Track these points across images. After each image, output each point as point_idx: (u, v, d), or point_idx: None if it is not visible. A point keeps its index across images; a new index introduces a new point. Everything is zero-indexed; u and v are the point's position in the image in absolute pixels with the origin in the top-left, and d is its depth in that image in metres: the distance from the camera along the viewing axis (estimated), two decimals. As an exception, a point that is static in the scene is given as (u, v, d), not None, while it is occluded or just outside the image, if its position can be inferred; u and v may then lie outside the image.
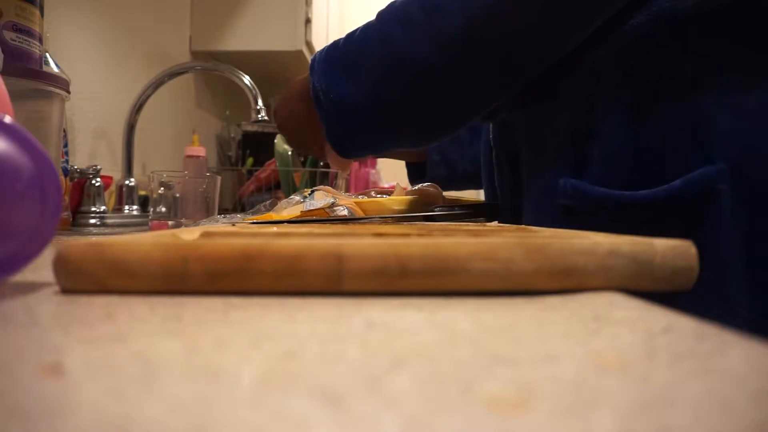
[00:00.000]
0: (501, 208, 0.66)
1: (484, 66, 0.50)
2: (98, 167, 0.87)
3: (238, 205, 1.45)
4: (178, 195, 0.70)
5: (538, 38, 0.49)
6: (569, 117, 0.53)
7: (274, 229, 0.39)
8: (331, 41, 0.59)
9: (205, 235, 0.30)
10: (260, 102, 0.98)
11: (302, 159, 1.36)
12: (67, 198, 0.81)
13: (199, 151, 1.26)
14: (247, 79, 0.98)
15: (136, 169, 1.05)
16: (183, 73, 1.09)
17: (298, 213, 0.59)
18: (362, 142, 0.58)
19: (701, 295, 0.29)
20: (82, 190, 0.84)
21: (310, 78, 0.57)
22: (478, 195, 2.58)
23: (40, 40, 0.52)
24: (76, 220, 0.83)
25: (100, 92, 1.11)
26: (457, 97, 0.53)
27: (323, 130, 0.57)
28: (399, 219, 0.62)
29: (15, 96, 0.32)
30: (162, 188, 0.70)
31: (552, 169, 0.54)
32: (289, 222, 0.55)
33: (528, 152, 0.59)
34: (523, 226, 0.46)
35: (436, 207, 0.64)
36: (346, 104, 0.54)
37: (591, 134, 0.51)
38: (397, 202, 0.67)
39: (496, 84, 0.52)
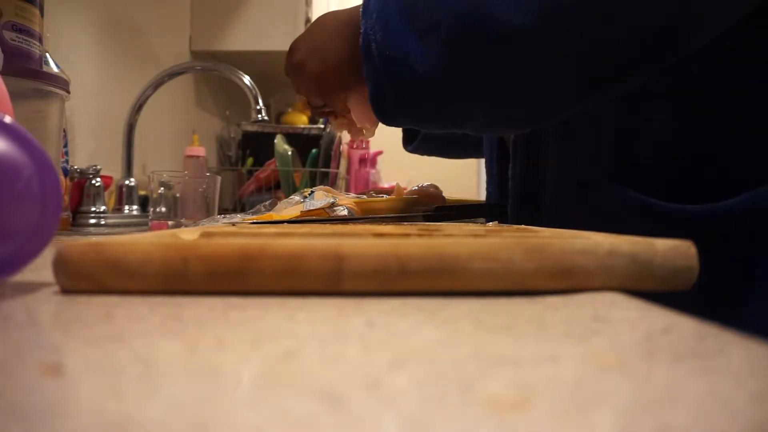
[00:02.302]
0: (511, 196, 0.59)
1: (605, 51, 0.40)
2: (98, 167, 0.87)
3: (238, 205, 1.45)
4: (178, 195, 0.70)
5: (686, 27, 0.39)
6: (615, 111, 0.47)
7: (274, 229, 0.39)
8: None
9: (205, 235, 0.30)
10: (260, 102, 0.98)
11: (302, 159, 1.36)
12: (67, 198, 0.81)
13: (199, 151, 1.26)
14: (247, 79, 0.98)
15: (136, 169, 1.05)
16: (183, 73, 1.09)
17: (298, 213, 0.59)
18: (415, 113, 0.49)
19: (753, 326, 0.26)
20: (82, 190, 0.84)
21: (361, 19, 0.46)
22: (478, 195, 2.59)
23: (40, 40, 0.52)
24: (76, 220, 0.83)
25: (100, 92, 1.11)
26: (555, 88, 0.43)
27: (368, 87, 0.47)
28: (399, 219, 0.62)
29: (15, 96, 0.32)
30: (162, 188, 0.70)
31: (589, 166, 0.49)
32: (289, 222, 0.55)
33: (558, 143, 0.52)
34: (523, 226, 0.46)
35: (436, 207, 0.64)
36: (408, 66, 0.44)
37: (639, 134, 0.45)
38: (397, 202, 0.67)
39: (607, 76, 0.42)
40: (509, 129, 0.53)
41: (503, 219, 0.63)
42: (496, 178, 0.68)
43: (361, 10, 0.47)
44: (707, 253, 0.25)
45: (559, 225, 0.42)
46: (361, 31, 0.46)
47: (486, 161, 0.72)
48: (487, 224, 0.56)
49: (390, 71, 0.45)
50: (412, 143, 0.83)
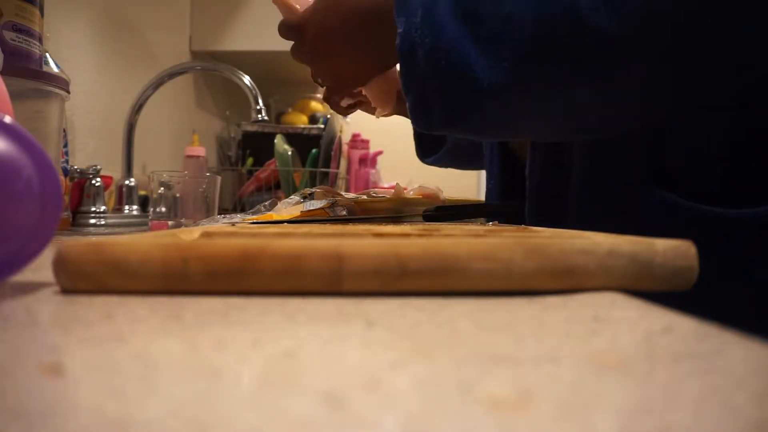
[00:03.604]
0: (528, 197, 0.55)
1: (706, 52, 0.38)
2: (98, 167, 0.87)
3: (238, 205, 1.45)
4: (178, 195, 0.70)
5: None
6: None
7: (274, 229, 0.39)
8: None
9: (205, 235, 0.30)
10: (260, 102, 0.98)
11: (302, 159, 1.36)
12: (67, 198, 0.81)
13: (199, 151, 1.26)
14: (247, 79, 0.98)
15: (136, 169, 1.05)
16: (183, 73, 1.09)
17: (298, 213, 0.59)
18: (471, 126, 0.44)
19: None
20: (82, 190, 0.84)
21: (397, 15, 0.42)
22: (478, 195, 2.59)
23: (40, 40, 0.52)
24: (76, 220, 0.83)
25: (100, 92, 1.11)
26: (654, 93, 0.40)
27: (407, 95, 0.43)
28: (399, 219, 0.62)
29: (15, 96, 0.32)
30: (162, 188, 0.70)
31: (625, 168, 0.46)
32: (289, 222, 0.55)
33: (584, 143, 0.50)
34: (523, 226, 0.45)
35: (436, 207, 0.64)
36: (470, 79, 0.39)
37: (678, 135, 0.43)
38: (396, 202, 0.67)
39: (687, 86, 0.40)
40: (592, 136, 0.48)
41: (504, 219, 0.63)
42: (496, 175, 0.66)
43: (395, 3, 0.42)
44: (751, 257, 0.25)
45: (586, 228, 0.40)
46: (400, 30, 0.41)
47: (486, 157, 0.70)
48: (488, 224, 0.56)
49: (445, 83, 0.41)
50: (433, 155, 0.79)
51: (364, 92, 0.63)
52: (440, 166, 0.84)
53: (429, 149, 0.80)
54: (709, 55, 0.38)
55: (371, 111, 0.68)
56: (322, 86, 0.60)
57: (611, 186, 0.47)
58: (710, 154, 0.43)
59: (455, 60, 0.39)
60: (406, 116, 0.75)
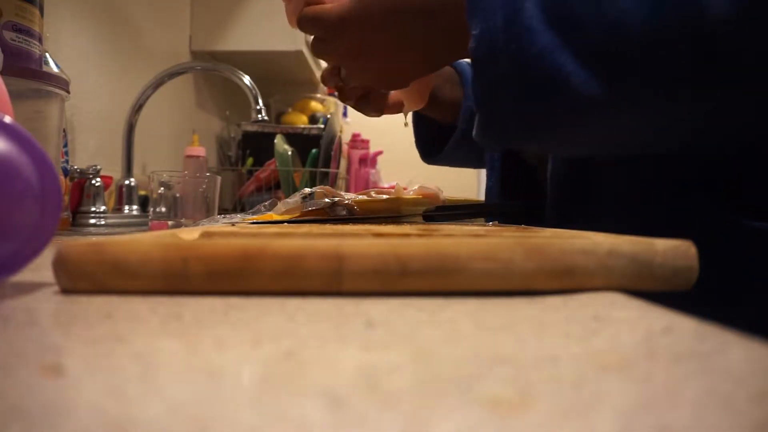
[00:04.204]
0: (550, 198, 0.52)
1: None
2: (98, 167, 0.87)
3: (238, 205, 1.45)
4: (178, 195, 0.70)
5: None
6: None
7: (274, 229, 0.39)
8: None
9: (205, 235, 0.30)
10: (260, 102, 0.98)
11: (302, 159, 1.36)
12: (67, 198, 0.81)
13: (199, 151, 1.26)
14: (247, 79, 0.98)
15: (136, 169, 1.05)
16: (183, 73, 1.09)
17: (298, 213, 0.59)
18: (547, 138, 0.42)
19: None
20: (82, 190, 0.84)
21: (469, 17, 0.38)
22: (478, 195, 2.58)
23: (40, 40, 0.52)
24: (76, 220, 0.83)
25: (100, 92, 1.11)
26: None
27: (478, 108, 0.40)
28: (399, 219, 0.62)
29: (15, 96, 0.32)
30: (162, 188, 0.70)
31: (670, 182, 0.42)
32: (289, 222, 0.55)
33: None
34: (523, 226, 0.45)
35: (436, 207, 0.64)
36: (563, 90, 0.36)
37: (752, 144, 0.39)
38: (396, 202, 0.67)
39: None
40: (674, 152, 0.43)
41: (504, 219, 0.62)
42: (498, 172, 0.64)
43: (467, 3, 0.39)
44: (752, 258, 0.24)
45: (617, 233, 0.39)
46: (475, 32, 0.38)
47: (486, 153, 0.67)
48: (488, 224, 0.56)
49: (533, 94, 0.37)
50: (437, 156, 0.76)
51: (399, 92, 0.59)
52: (443, 165, 0.82)
53: (433, 150, 0.77)
54: None
55: (379, 107, 0.62)
56: (345, 86, 0.55)
57: (651, 192, 0.44)
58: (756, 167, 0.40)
59: (549, 69, 0.36)
60: (434, 115, 0.72)
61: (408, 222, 0.60)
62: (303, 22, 0.48)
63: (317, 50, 0.49)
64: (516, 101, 0.38)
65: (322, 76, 0.59)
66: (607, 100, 0.36)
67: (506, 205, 0.64)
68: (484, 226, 0.49)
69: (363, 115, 0.69)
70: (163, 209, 0.70)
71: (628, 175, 0.46)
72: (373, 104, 0.61)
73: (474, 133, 0.42)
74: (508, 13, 0.37)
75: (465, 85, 0.71)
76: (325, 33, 0.47)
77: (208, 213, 0.71)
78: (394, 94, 0.63)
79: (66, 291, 0.22)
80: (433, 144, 0.77)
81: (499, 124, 0.40)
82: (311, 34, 0.49)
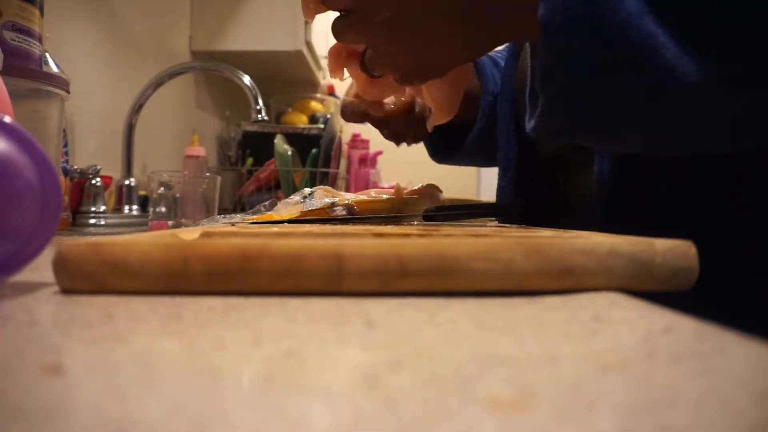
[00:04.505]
0: (598, 201, 0.46)
1: None
2: (98, 167, 0.87)
3: (238, 205, 1.45)
4: (178, 195, 0.70)
5: None
6: None
7: (274, 229, 0.39)
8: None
9: (205, 235, 0.30)
10: (260, 102, 0.98)
11: (302, 159, 1.36)
12: (67, 198, 0.81)
13: (199, 151, 1.26)
14: (247, 79, 0.98)
15: (136, 169, 1.05)
16: (183, 73, 1.09)
17: (298, 213, 0.59)
18: (624, 130, 0.36)
19: None
20: (82, 190, 0.84)
21: None
22: (478, 195, 2.58)
23: (40, 40, 0.52)
24: (76, 220, 0.83)
25: (100, 92, 1.11)
26: None
27: (542, 84, 0.34)
28: (399, 219, 0.62)
29: (15, 96, 0.32)
30: (162, 188, 0.70)
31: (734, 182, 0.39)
32: (289, 222, 0.55)
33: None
34: (524, 225, 0.45)
35: (436, 207, 0.64)
36: (659, 69, 0.31)
37: None
38: (397, 202, 0.67)
39: None
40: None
41: (507, 219, 0.61)
42: (513, 171, 0.60)
43: None
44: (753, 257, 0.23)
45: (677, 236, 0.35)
46: (542, 10, 0.32)
47: (501, 151, 0.62)
48: (488, 224, 0.56)
49: (620, 72, 0.32)
50: (448, 156, 0.71)
51: (424, 94, 0.51)
52: (453, 164, 0.77)
53: (443, 148, 0.71)
54: None
55: (402, 131, 0.56)
56: (374, 76, 0.46)
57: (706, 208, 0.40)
58: None
59: (639, 42, 0.30)
60: (464, 122, 0.64)
61: (408, 222, 0.60)
62: None
63: (345, 27, 0.41)
64: (592, 82, 0.33)
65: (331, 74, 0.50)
66: (714, 87, 0.31)
67: (509, 204, 0.63)
68: (485, 226, 0.48)
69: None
70: (163, 209, 0.70)
71: (691, 175, 0.41)
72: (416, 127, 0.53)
73: (530, 123, 0.37)
74: None
75: (483, 77, 0.64)
76: (360, 1, 0.39)
77: (208, 213, 0.71)
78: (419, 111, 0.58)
79: (66, 291, 0.22)
80: (444, 142, 0.72)
81: (566, 111, 0.34)
82: (339, 8, 0.41)
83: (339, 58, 0.47)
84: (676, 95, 0.32)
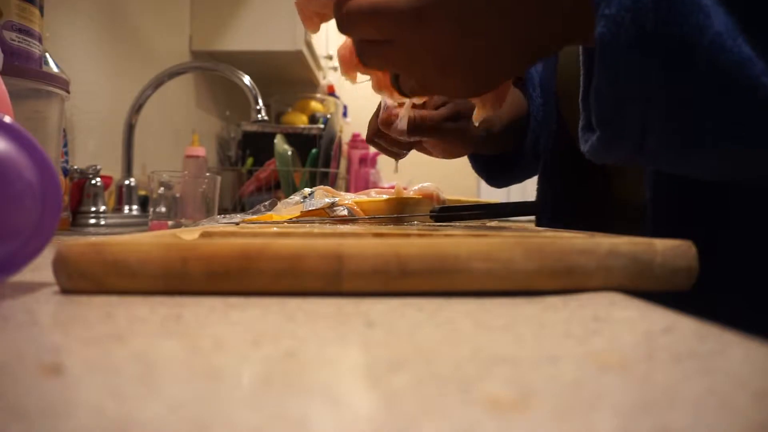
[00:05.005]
0: (650, 198, 0.40)
1: None
2: (98, 167, 0.87)
3: (238, 205, 1.45)
4: (178, 195, 0.70)
5: None
6: None
7: (274, 229, 0.39)
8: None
9: (205, 235, 0.30)
10: (260, 102, 0.98)
11: (302, 159, 1.36)
12: (67, 198, 0.81)
13: (199, 151, 1.26)
14: (247, 79, 0.98)
15: (136, 169, 1.05)
16: (183, 73, 1.09)
17: (298, 213, 0.59)
18: (702, 153, 0.29)
19: None
20: (82, 190, 0.84)
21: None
22: (478, 195, 2.58)
23: (40, 40, 0.52)
24: (76, 220, 0.83)
25: (100, 92, 1.11)
26: None
27: (597, 103, 0.29)
28: (399, 219, 0.62)
29: (15, 96, 0.32)
30: (162, 188, 0.70)
31: None
32: (289, 222, 0.55)
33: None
34: (523, 225, 0.45)
35: (437, 207, 0.64)
36: (744, 86, 0.26)
37: None
38: (397, 202, 0.67)
39: None
40: None
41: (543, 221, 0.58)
42: (549, 170, 0.55)
43: None
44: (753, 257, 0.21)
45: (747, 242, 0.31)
46: (607, 11, 0.26)
47: (545, 154, 0.58)
48: (488, 224, 0.55)
49: (699, 90, 0.26)
50: (505, 177, 0.67)
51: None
52: (513, 183, 0.71)
53: (496, 172, 0.66)
54: None
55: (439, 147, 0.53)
56: (408, 96, 0.39)
57: None
58: None
59: (732, 69, 0.25)
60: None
61: (408, 222, 0.60)
62: (352, 20, 0.33)
63: (373, 55, 0.34)
64: (667, 120, 0.28)
65: (375, 123, 0.42)
66: None
67: (520, 205, 0.61)
68: (485, 225, 0.48)
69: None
70: (163, 209, 0.70)
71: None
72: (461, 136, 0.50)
73: (588, 148, 0.32)
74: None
75: (528, 88, 0.59)
76: (391, 31, 0.32)
77: (208, 213, 0.71)
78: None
79: (66, 291, 0.22)
80: (494, 165, 0.68)
81: (631, 133, 0.29)
82: (362, 36, 0.34)
83: (350, 64, 0.43)
84: None
